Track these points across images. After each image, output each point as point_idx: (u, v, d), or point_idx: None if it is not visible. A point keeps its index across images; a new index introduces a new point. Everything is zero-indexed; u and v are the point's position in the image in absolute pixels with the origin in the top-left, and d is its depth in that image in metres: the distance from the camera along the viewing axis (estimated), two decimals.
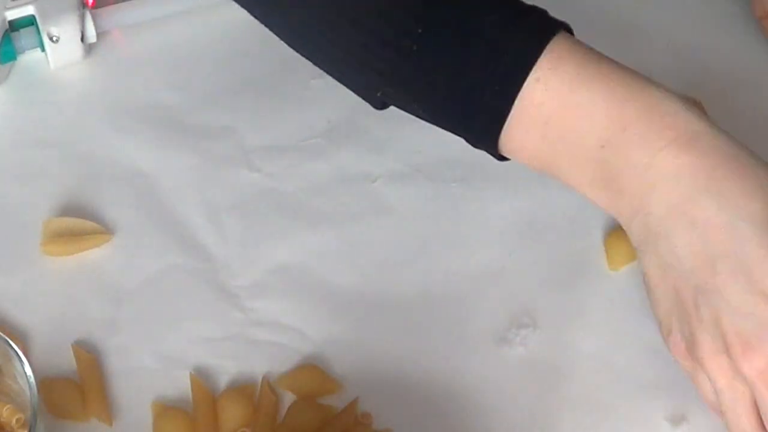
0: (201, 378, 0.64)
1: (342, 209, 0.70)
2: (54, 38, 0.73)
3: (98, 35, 0.75)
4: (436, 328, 0.66)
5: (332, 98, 0.74)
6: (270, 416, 0.63)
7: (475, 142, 0.63)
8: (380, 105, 0.64)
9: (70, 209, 0.69)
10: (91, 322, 0.66)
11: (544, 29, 0.60)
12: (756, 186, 0.57)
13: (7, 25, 0.72)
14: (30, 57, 0.74)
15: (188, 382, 0.64)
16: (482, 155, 0.72)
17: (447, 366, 0.65)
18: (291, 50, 0.76)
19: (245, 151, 0.72)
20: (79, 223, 0.68)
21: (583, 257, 0.69)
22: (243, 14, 0.77)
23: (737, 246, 0.57)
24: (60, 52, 0.74)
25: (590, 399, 0.64)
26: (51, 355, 0.64)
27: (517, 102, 0.59)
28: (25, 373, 0.56)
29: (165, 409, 0.63)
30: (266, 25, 0.65)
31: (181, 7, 0.76)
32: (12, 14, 0.72)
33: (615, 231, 0.69)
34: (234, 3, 0.75)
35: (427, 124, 0.73)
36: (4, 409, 0.58)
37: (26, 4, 0.72)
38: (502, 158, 0.63)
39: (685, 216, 0.57)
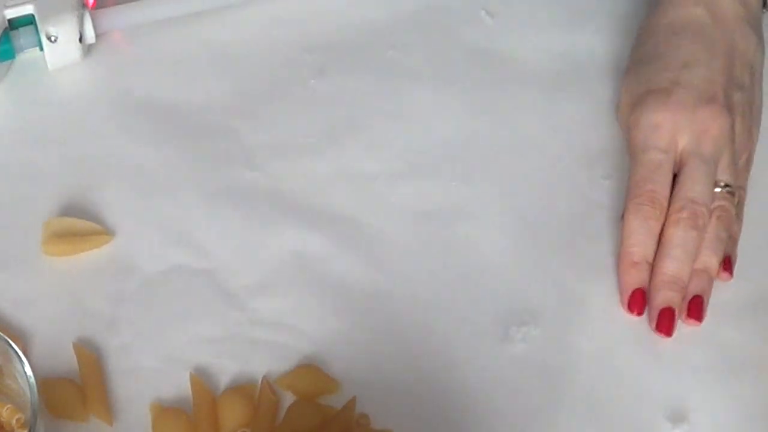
0: (201, 378, 0.64)
1: (342, 209, 0.70)
2: (52, 38, 0.73)
3: (97, 36, 0.74)
4: (437, 327, 0.66)
5: (332, 98, 0.74)
6: (270, 416, 0.63)
7: None
8: None
9: (70, 209, 0.69)
10: (92, 322, 0.65)
11: None
12: None
13: (6, 24, 0.72)
14: (29, 56, 0.74)
15: (188, 382, 0.64)
16: (482, 155, 0.72)
17: (447, 365, 0.65)
18: (291, 51, 0.76)
19: (245, 151, 0.72)
20: (79, 224, 0.68)
21: (583, 256, 0.69)
22: (242, 16, 0.77)
23: None
24: (58, 52, 0.73)
25: (590, 398, 0.64)
26: (51, 355, 0.64)
27: None
28: (25, 373, 0.56)
29: (165, 409, 0.63)
30: None
31: (180, 10, 0.76)
32: (11, 12, 0.72)
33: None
34: (233, 6, 0.76)
35: (427, 124, 0.73)
36: (4, 409, 0.58)
37: (25, 3, 0.72)
38: None
39: None
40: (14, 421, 0.58)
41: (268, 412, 0.63)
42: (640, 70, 0.71)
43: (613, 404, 0.64)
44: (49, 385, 0.63)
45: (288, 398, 0.64)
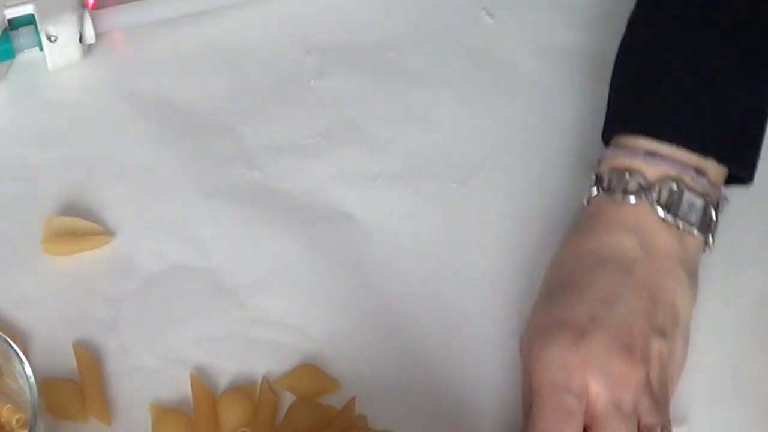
0: (201, 378, 0.64)
1: (342, 209, 0.70)
2: (52, 38, 0.73)
3: (97, 36, 0.74)
4: (436, 328, 0.66)
5: (332, 98, 0.74)
6: (270, 416, 0.63)
7: None
8: None
9: (70, 209, 0.69)
10: (91, 322, 0.66)
11: None
12: None
13: (6, 24, 0.72)
14: (29, 56, 0.74)
15: (188, 382, 0.64)
16: (482, 155, 0.72)
17: (447, 366, 0.65)
18: (291, 51, 0.76)
19: (245, 151, 0.72)
20: (79, 224, 0.68)
21: None
22: (242, 17, 0.77)
23: None
24: (58, 52, 0.73)
25: None
26: (51, 355, 0.64)
27: None
28: (25, 373, 0.56)
29: (165, 410, 0.63)
30: None
31: (180, 10, 0.76)
32: (11, 12, 0.72)
33: None
34: (233, 6, 0.75)
35: (427, 124, 0.73)
36: (4, 409, 0.58)
37: (25, 2, 0.72)
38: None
39: None
40: (14, 421, 0.58)
41: (268, 412, 0.63)
42: (553, 299, 0.62)
43: None
44: (49, 385, 0.63)
45: (288, 398, 0.64)
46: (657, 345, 0.61)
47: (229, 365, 0.65)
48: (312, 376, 0.64)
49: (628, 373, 0.59)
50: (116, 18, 0.75)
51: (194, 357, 0.65)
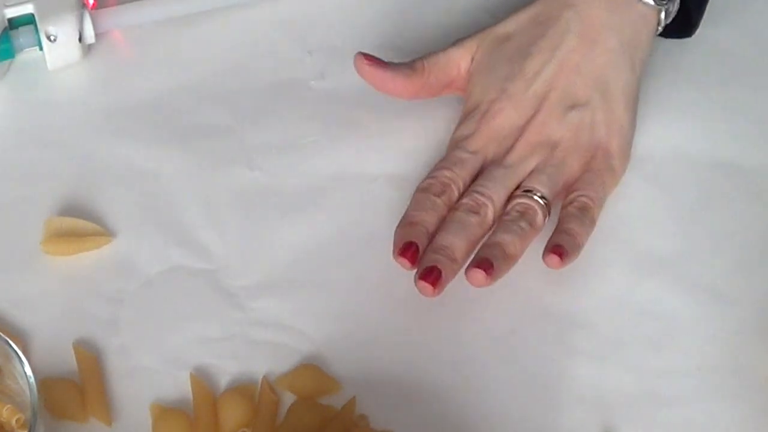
0: (201, 378, 0.64)
1: (342, 209, 0.70)
2: (52, 38, 0.73)
3: (97, 36, 0.75)
4: (437, 328, 0.66)
5: (332, 98, 0.74)
6: (270, 416, 0.63)
7: None
8: None
9: (70, 209, 0.69)
10: (91, 322, 0.66)
11: None
12: None
13: (6, 23, 0.72)
14: (28, 56, 0.74)
15: (188, 382, 0.64)
16: None
17: (447, 366, 0.65)
18: (291, 51, 0.76)
19: (245, 151, 0.72)
20: (80, 224, 0.68)
21: (584, 256, 0.68)
22: (242, 17, 0.77)
23: None
24: (57, 51, 0.73)
25: (590, 400, 0.64)
26: (51, 355, 0.64)
27: None
28: (25, 373, 0.56)
29: (165, 410, 0.63)
30: None
31: (180, 10, 0.76)
32: (11, 12, 0.72)
33: None
34: (233, 6, 0.75)
35: (428, 123, 0.73)
36: (4, 409, 0.58)
37: (26, 2, 0.72)
38: None
39: None
40: (14, 421, 0.58)
41: (268, 412, 0.63)
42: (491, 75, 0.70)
43: (613, 405, 0.64)
44: (49, 385, 0.63)
45: (288, 398, 0.64)
46: (573, 115, 0.67)
47: (229, 365, 0.65)
48: (312, 376, 0.64)
49: (521, 136, 0.67)
50: (116, 18, 0.75)
51: (194, 357, 0.65)
